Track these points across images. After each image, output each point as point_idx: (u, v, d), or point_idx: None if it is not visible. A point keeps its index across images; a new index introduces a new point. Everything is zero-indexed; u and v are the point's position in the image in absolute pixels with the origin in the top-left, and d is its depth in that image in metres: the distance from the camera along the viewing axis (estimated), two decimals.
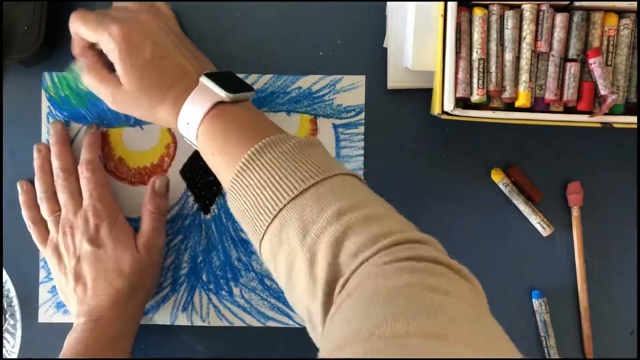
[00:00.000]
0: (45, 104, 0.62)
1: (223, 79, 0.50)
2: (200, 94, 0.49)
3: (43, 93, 0.62)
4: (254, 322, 0.62)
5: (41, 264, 0.62)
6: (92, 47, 0.54)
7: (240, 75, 0.59)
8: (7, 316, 0.62)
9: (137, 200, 0.62)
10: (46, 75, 0.62)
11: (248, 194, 0.44)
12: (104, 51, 0.52)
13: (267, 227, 0.43)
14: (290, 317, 0.62)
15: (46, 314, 0.62)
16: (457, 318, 0.33)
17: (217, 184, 0.62)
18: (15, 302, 0.62)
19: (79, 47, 0.55)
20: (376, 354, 0.30)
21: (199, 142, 0.50)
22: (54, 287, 0.62)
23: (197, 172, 0.62)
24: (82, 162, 0.59)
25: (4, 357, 0.62)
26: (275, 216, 0.42)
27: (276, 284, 0.61)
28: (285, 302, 0.62)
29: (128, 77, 0.50)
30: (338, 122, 0.61)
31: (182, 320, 0.62)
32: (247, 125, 0.49)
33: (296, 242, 0.41)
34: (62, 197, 0.58)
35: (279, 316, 0.62)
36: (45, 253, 0.59)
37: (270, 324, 0.62)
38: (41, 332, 0.62)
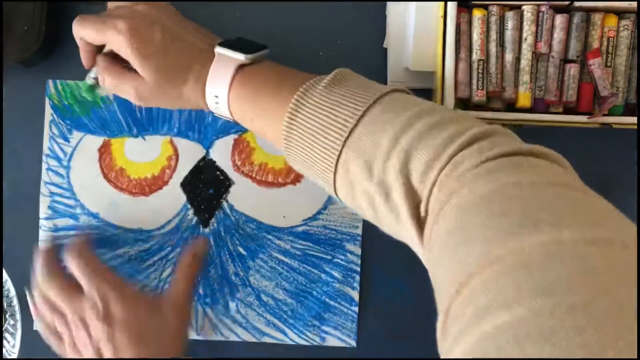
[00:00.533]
0: (48, 112, 0.62)
1: (236, 43, 0.50)
2: (220, 64, 0.49)
3: (46, 101, 0.62)
4: (249, 337, 0.62)
5: None
6: (100, 50, 0.54)
7: None
8: (7, 316, 0.62)
9: (137, 211, 0.62)
10: (50, 83, 0.62)
11: (304, 148, 0.44)
12: (115, 49, 0.51)
13: (335, 170, 0.43)
14: (285, 334, 0.62)
15: None
16: (599, 212, 0.32)
17: (216, 197, 0.62)
18: (15, 302, 0.62)
19: (87, 54, 0.54)
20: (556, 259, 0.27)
21: (233, 111, 0.49)
22: None
23: (197, 185, 0.62)
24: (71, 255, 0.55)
25: (4, 357, 0.62)
26: (337, 160, 0.42)
27: (273, 299, 0.62)
28: (280, 318, 0.62)
29: (145, 68, 0.49)
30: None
31: None
32: (274, 81, 0.48)
33: (366, 182, 0.41)
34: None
35: (275, 332, 0.62)
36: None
37: (266, 339, 0.62)
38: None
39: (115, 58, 0.52)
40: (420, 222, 0.38)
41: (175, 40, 0.50)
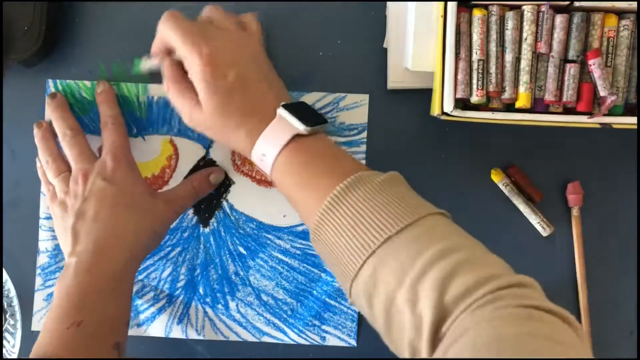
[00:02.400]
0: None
1: (299, 110, 0.50)
2: (278, 127, 0.49)
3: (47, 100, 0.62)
4: (249, 337, 0.62)
5: (38, 271, 0.62)
6: (170, 52, 0.53)
7: None
8: (7, 316, 0.62)
9: None
10: (50, 82, 0.62)
11: (337, 234, 0.44)
12: (186, 66, 0.51)
13: (361, 266, 0.42)
14: (285, 334, 0.62)
15: (40, 322, 0.62)
16: None
17: (217, 197, 0.62)
18: (15, 302, 0.62)
19: (159, 49, 0.54)
20: None
21: (274, 174, 0.50)
22: (49, 295, 0.62)
23: None
24: (105, 116, 0.58)
25: (4, 357, 0.62)
26: (368, 257, 0.42)
27: (273, 299, 0.62)
28: (281, 318, 0.62)
29: (208, 101, 0.50)
30: (340, 139, 0.61)
31: (177, 333, 0.62)
32: (327, 160, 0.49)
33: (394, 283, 0.40)
34: (73, 152, 0.57)
35: (275, 332, 0.62)
36: (52, 210, 0.58)
37: (266, 339, 0.62)
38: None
39: (181, 68, 0.52)
40: (435, 338, 0.39)
41: (245, 87, 0.50)
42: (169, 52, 0.53)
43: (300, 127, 0.48)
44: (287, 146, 0.48)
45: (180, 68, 0.52)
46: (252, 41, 0.54)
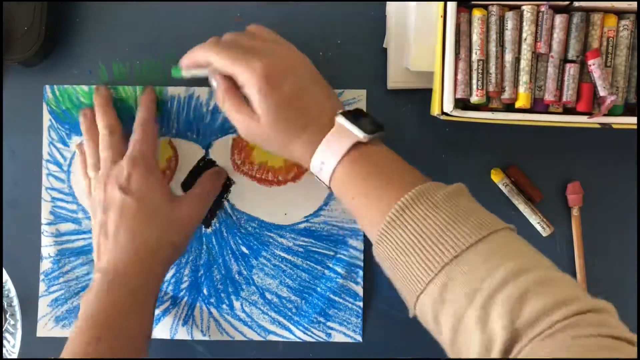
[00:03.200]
0: (46, 117, 0.62)
1: (357, 117, 0.49)
2: (338, 135, 0.48)
3: (44, 106, 0.62)
4: (254, 336, 0.62)
5: (41, 277, 0.62)
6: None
7: None
8: (7, 316, 0.62)
9: None
10: (47, 88, 0.62)
11: (403, 247, 0.43)
12: (240, 82, 0.50)
13: (429, 282, 0.41)
14: (291, 332, 0.62)
15: (45, 328, 0.62)
16: None
17: (218, 197, 0.62)
18: (15, 302, 0.62)
19: (195, 65, 0.53)
20: None
21: (333, 183, 0.49)
22: (53, 300, 0.62)
23: None
24: (138, 119, 0.58)
25: (4, 357, 0.62)
26: (438, 272, 0.41)
27: (277, 297, 0.62)
28: (285, 316, 0.62)
29: (265, 114, 0.49)
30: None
31: (182, 334, 0.62)
32: (388, 170, 0.48)
33: (464, 300, 0.40)
34: (104, 153, 0.57)
35: (280, 330, 0.62)
36: (89, 212, 0.59)
37: (271, 337, 0.62)
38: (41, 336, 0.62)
39: (234, 82, 0.51)
40: (506, 357, 0.38)
41: (302, 96, 0.50)
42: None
43: (361, 135, 0.47)
44: (347, 155, 0.48)
45: (233, 81, 0.51)
46: (302, 56, 0.53)
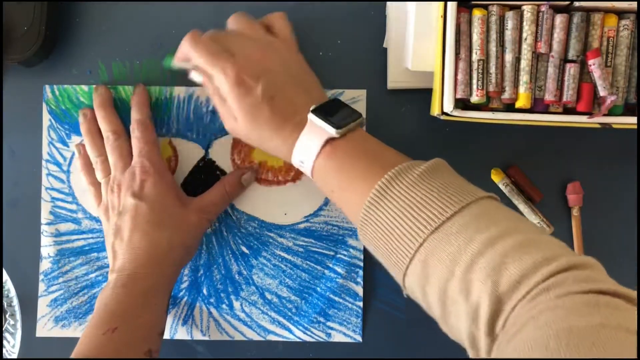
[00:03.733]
0: (46, 117, 0.62)
1: (331, 110, 0.50)
2: (310, 133, 0.49)
3: (44, 106, 0.62)
4: (254, 336, 0.62)
5: (40, 277, 0.62)
6: None
7: None
8: (7, 316, 0.62)
9: None
10: (47, 88, 0.62)
11: (384, 227, 0.44)
12: (216, 84, 0.52)
13: (411, 258, 0.42)
14: (291, 332, 0.62)
15: (44, 329, 0.62)
16: None
17: None
18: (15, 302, 0.62)
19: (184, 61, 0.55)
20: None
21: (315, 179, 0.50)
22: (52, 300, 0.62)
23: (198, 185, 0.62)
24: (133, 121, 0.59)
25: (4, 357, 0.62)
26: (419, 247, 0.42)
27: (277, 297, 0.62)
28: (285, 316, 0.62)
29: (240, 116, 0.51)
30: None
31: (182, 334, 0.62)
32: (364, 158, 0.48)
33: (446, 272, 0.40)
34: (112, 158, 0.59)
35: (280, 330, 0.62)
36: (99, 215, 0.60)
37: (271, 337, 0.62)
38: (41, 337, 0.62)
39: None
40: (493, 329, 0.38)
41: (274, 97, 0.50)
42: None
43: (332, 131, 0.48)
44: (321, 151, 0.48)
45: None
46: (281, 46, 0.54)
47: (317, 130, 0.49)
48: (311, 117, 0.49)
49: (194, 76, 0.55)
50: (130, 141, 0.59)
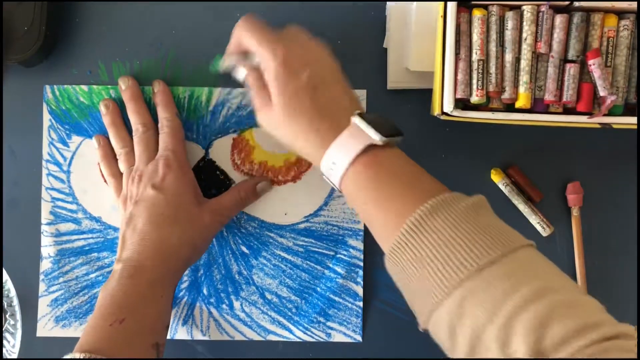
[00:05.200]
0: (46, 117, 0.62)
1: (375, 119, 0.47)
2: (352, 135, 0.46)
3: (44, 106, 0.62)
4: (254, 336, 0.62)
5: (41, 277, 0.62)
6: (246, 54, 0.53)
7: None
8: (7, 316, 0.62)
9: None
10: (47, 88, 0.62)
11: (423, 256, 0.41)
12: (262, 66, 0.50)
13: (449, 294, 0.40)
14: (291, 331, 0.62)
15: (45, 328, 0.62)
16: None
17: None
18: (15, 302, 0.62)
19: (234, 49, 0.53)
20: None
21: (344, 186, 0.48)
22: (52, 300, 0.62)
23: (199, 185, 0.61)
24: (162, 119, 0.59)
25: (4, 357, 0.62)
26: (460, 283, 0.39)
27: (277, 297, 0.62)
28: (285, 316, 0.62)
29: (278, 99, 0.48)
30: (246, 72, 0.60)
31: (182, 334, 0.62)
32: (405, 176, 0.46)
33: (484, 317, 0.38)
34: (139, 149, 0.59)
35: (280, 330, 0.62)
36: (117, 206, 0.60)
37: (271, 337, 0.62)
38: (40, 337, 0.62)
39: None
40: None
41: (320, 89, 0.48)
42: (245, 53, 0.53)
43: (376, 137, 0.45)
44: (360, 157, 0.46)
45: (260, 74, 0.51)
46: (327, 50, 0.52)
47: (359, 133, 0.46)
48: (356, 119, 0.47)
49: (239, 73, 0.53)
50: (156, 136, 0.60)
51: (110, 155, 0.61)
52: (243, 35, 0.51)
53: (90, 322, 0.52)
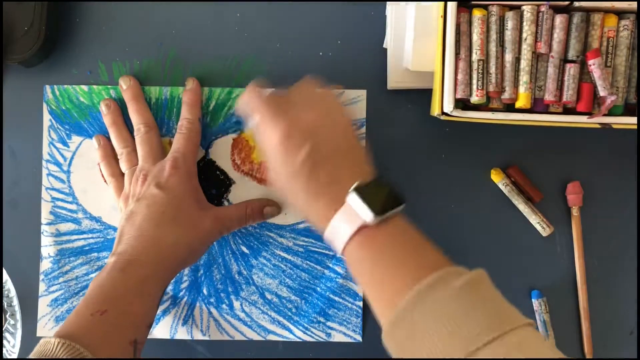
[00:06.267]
0: (46, 117, 0.62)
1: (373, 191, 0.46)
2: (344, 215, 0.46)
3: (44, 106, 0.62)
4: (254, 336, 0.62)
5: (41, 277, 0.62)
6: None
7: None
8: (7, 316, 0.62)
9: None
10: (47, 88, 0.62)
11: (413, 341, 0.41)
12: (265, 139, 0.50)
13: None
14: (290, 331, 0.62)
15: (45, 328, 0.62)
16: None
17: (218, 197, 0.62)
18: (15, 302, 0.62)
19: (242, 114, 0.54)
20: None
21: (345, 261, 0.48)
22: (53, 300, 0.62)
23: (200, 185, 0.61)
24: (183, 119, 0.59)
25: (4, 357, 0.62)
26: None
27: (277, 297, 0.62)
28: (285, 316, 0.62)
29: (279, 180, 0.50)
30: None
31: (182, 334, 0.62)
32: (400, 252, 0.45)
33: None
34: (143, 149, 0.59)
35: (280, 330, 0.62)
36: (118, 204, 0.60)
37: (271, 337, 0.62)
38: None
39: None
40: None
41: (317, 165, 0.48)
42: None
43: (368, 218, 0.44)
44: (355, 238, 0.45)
45: None
46: (338, 109, 0.52)
47: (352, 214, 0.45)
48: (349, 198, 0.46)
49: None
50: (158, 136, 0.60)
51: (110, 155, 0.61)
52: (247, 109, 0.51)
53: (75, 309, 0.51)
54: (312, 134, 0.48)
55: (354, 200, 0.45)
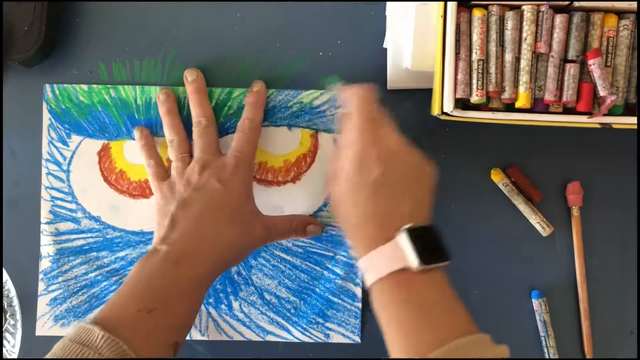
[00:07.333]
0: (46, 116, 0.62)
1: (423, 238, 0.45)
2: (388, 252, 0.45)
3: (44, 105, 0.62)
4: (253, 337, 0.62)
5: (40, 276, 0.62)
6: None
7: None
8: (7, 316, 0.62)
9: (138, 213, 0.62)
10: (47, 87, 0.62)
11: None
12: (349, 138, 0.49)
13: None
14: (289, 332, 0.62)
15: (44, 327, 0.62)
16: None
17: None
18: (15, 302, 0.62)
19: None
20: None
21: (372, 296, 0.46)
22: (52, 299, 0.62)
23: None
24: (245, 119, 0.59)
25: (4, 357, 0.62)
26: None
27: (276, 298, 0.62)
28: (284, 317, 0.62)
29: (338, 185, 0.49)
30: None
31: None
32: (432, 306, 0.44)
33: None
34: (202, 141, 0.58)
35: (279, 330, 0.62)
36: (160, 187, 0.58)
37: (270, 338, 0.62)
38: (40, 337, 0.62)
39: None
40: None
41: (383, 187, 0.47)
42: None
43: (413, 264, 0.44)
44: (390, 275, 0.44)
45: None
46: (416, 154, 0.51)
47: (398, 253, 0.44)
48: (400, 237, 0.45)
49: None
50: (217, 131, 0.59)
51: (151, 144, 0.61)
52: (350, 104, 0.51)
53: (118, 299, 0.49)
54: (394, 160, 0.48)
55: (403, 240, 0.44)
